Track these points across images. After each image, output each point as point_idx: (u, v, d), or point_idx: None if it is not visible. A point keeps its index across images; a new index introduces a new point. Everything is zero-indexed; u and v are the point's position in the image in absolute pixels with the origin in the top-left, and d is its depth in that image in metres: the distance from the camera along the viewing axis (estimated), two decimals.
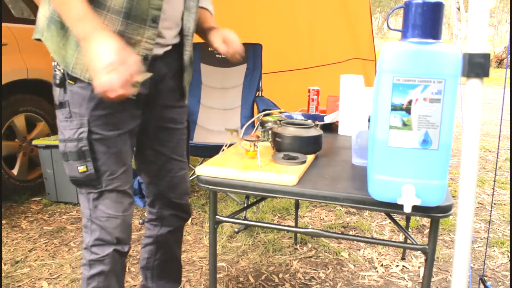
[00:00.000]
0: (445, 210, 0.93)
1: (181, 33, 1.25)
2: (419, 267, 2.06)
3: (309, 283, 1.92)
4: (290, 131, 1.24)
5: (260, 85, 2.98)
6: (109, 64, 0.94)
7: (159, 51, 1.20)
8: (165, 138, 1.33)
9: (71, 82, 1.10)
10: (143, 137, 1.33)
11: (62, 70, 1.09)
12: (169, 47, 1.24)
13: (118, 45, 0.96)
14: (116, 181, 1.17)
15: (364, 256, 2.16)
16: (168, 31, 1.20)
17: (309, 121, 1.31)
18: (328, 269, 2.04)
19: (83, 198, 1.19)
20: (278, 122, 1.29)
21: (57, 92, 1.13)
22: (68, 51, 1.07)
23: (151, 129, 1.31)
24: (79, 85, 1.10)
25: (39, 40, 1.12)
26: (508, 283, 1.94)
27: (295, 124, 1.28)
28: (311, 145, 1.24)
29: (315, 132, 1.25)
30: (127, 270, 2.00)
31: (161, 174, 1.36)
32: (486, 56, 0.77)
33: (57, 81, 1.10)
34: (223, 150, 1.27)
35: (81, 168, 1.13)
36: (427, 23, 0.84)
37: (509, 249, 2.25)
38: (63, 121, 1.13)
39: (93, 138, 1.12)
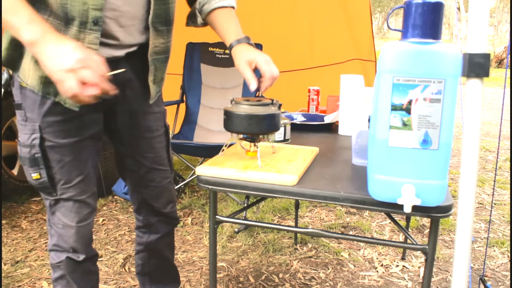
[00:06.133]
0: (445, 210, 0.93)
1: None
2: (419, 267, 2.06)
3: (309, 283, 1.92)
4: (240, 108, 1.12)
5: None
6: (75, 62, 0.85)
7: (119, 52, 1.11)
8: (144, 148, 1.26)
9: (23, 84, 1.05)
10: (122, 147, 1.27)
11: (10, 72, 1.07)
12: (134, 48, 1.14)
13: (75, 43, 0.89)
14: (72, 190, 1.12)
15: (364, 256, 2.16)
16: (128, 29, 1.08)
17: (268, 100, 1.17)
18: (328, 269, 2.04)
19: (44, 201, 1.17)
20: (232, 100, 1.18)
21: (13, 92, 1.09)
22: (16, 57, 1.03)
23: (127, 138, 1.25)
24: (30, 89, 1.05)
25: None
26: (508, 283, 1.94)
27: (250, 102, 1.14)
28: (257, 124, 1.11)
29: (264, 110, 1.12)
30: (127, 270, 2.00)
31: (143, 183, 1.31)
32: (486, 56, 0.77)
33: (14, 83, 1.07)
34: (223, 150, 1.27)
35: (35, 175, 1.08)
36: (427, 23, 0.84)
37: (509, 249, 2.25)
38: (20, 123, 1.09)
39: (46, 145, 1.06)
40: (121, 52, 1.11)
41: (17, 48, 1.02)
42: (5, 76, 1.07)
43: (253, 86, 1.13)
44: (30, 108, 1.06)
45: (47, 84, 1.02)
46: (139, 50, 1.15)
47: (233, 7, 1.27)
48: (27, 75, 1.03)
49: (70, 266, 1.18)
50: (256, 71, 1.16)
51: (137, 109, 1.22)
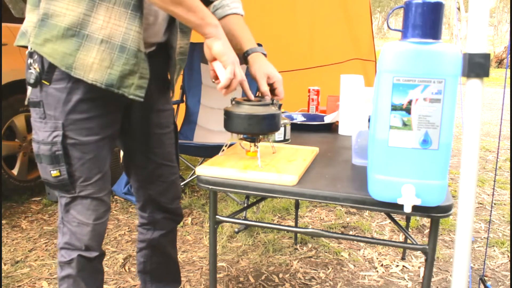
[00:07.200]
0: (445, 210, 0.93)
1: (167, 29, 1.20)
2: (419, 267, 2.06)
3: (309, 283, 1.92)
4: (241, 108, 1.13)
5: None
6: (236, 60, 1.08)
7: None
8: (154, 144, 1.29)
9: (45, 82, 1.04)
10: (131, 142, 1.29)
11: (37, 69, 1.03)
12: (154, 47, 1.18)
13: None
14: (91, 187, 1.13)
15: (364, 256, 2.16)
16: (153, 28, 1.13)
17: (268, 99, 1.19)
18: (328, 269, 2.04)
19: (59, 199, 1.17)
20: (233, 100, 1.20)
21: (29, 90, 1.08)
22: (69, 52, 1.00)
23: (138, 134, 1.27)
24: (54, 87, 1.04)
25: (24, 47, 1.06)
26: (508, 283, 1.94)
27: (250, 102, 1.16)
28: (257, 124, 1.11)
29: (264, 110, 1.12)
30: (127, 270, 2.00)
31: (151, 180, 1.33)
32: (486, 56, 0.77)
33: (32, 81, 1.04)
34: (223, 150, 1.27)
35: (54, 173, 1.09)
36: (427, 23, 0.84)
37: (509, 249, 2.25)
38: (37, 121, 1.09)
39: (68, 142, 1.07)
40: (145, 51, 1.14)
41: (68, 44, 0.99)
42: (34, 73, 1.04)
43: (269, 98, 1.20)
44: (53, 106, 1.05)
45: (115, 77, 1.02)
46: (157, 49, 1.20)
47: (242, 15, 1.31)
48: (89, 69, 1.01)
49: (81, 264, 1.18)
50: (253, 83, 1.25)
51: (153, 107, 1.26)
